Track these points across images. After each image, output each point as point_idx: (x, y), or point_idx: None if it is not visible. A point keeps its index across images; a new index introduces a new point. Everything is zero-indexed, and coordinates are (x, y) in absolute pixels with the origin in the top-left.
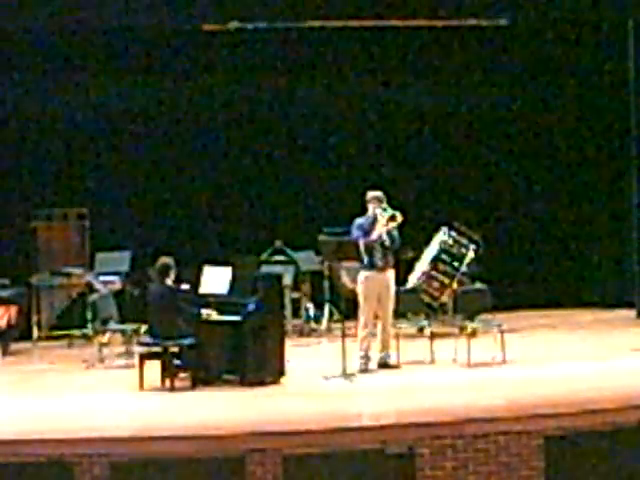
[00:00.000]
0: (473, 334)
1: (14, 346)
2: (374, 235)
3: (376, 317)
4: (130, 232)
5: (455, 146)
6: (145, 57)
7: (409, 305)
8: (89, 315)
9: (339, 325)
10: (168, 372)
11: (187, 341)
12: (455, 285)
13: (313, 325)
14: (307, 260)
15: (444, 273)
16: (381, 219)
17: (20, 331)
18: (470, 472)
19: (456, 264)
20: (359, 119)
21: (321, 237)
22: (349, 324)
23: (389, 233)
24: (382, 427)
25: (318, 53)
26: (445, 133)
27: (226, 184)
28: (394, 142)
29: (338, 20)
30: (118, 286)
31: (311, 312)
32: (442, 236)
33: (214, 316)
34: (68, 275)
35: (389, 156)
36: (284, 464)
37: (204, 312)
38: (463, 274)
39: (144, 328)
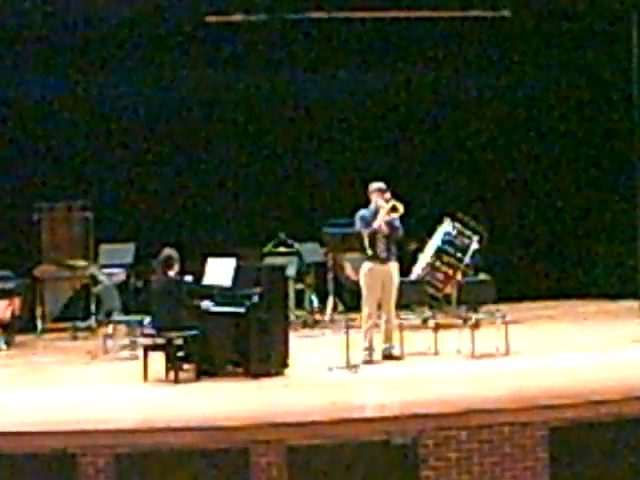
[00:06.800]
0: (477, 325)
1: (18, 338)
2: (375, 224)
3: (379, 308)
4: (134, 224)
5: (459, 137)
6: (148, 50)
7: (413, 296)
8: (93, 307)
9: (343, 316)
10: (172, 364)
11: (191, 332)
12: (459, 276)
13: (317, 316)
14: (311, 252)
15: (448, 264)
16: (382, 210)
17: (24, 323)
18: (474, 463)
19: (460, 255)
20: (362, 110)
21: (325, 229)
22: (353, 315)
23: (391, 224)
24: (386, 418)
25: (321, 45)
26: (449, 124)
27: (230, 176)
28: (397, 133)
29: (340, 11)
30: (122, 278)
31: (315, 304)
32: (446, 227)
33: (214, 308)
34: (72, 267)
35: (392, 147)
36: (288, 455)
37: (203, 304)
38: (467, 265)
39: (148, 320)
